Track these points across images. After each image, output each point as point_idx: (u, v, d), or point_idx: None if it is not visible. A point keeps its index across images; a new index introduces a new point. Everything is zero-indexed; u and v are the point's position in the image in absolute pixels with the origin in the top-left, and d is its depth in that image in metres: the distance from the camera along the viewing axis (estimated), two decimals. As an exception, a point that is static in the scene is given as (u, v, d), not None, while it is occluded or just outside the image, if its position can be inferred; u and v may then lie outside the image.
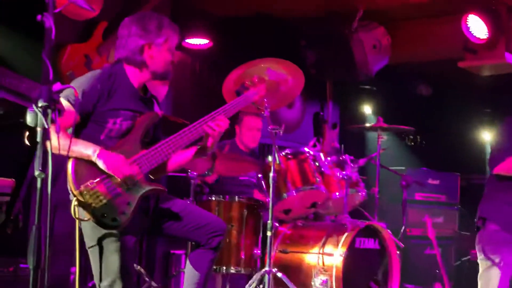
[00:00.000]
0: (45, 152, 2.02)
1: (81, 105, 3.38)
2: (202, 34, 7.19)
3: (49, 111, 2.07)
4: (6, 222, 2.38)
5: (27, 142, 2.42)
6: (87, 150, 3.32)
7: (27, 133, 2.42)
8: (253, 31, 7.45)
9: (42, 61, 5.68)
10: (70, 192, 3.28)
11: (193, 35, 7.20)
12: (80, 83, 3.50)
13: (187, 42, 7.27)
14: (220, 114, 3.72)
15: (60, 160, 2.90)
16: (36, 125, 2.11)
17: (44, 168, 2.00)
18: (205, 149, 3.75)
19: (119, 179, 3.36)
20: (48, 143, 2.04)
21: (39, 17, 2.35)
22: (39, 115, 2.07)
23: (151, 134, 3.71)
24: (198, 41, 7.26)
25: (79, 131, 3.45)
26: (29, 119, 2.11)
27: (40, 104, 2.09)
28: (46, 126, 2.04)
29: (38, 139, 2.06)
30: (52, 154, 2.21)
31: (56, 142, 2.63)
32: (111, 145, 3.47)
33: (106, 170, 3.33)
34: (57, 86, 2.40)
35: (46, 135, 2.05)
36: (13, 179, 2.52)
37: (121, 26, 3.71)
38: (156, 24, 3.66)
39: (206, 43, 7.25)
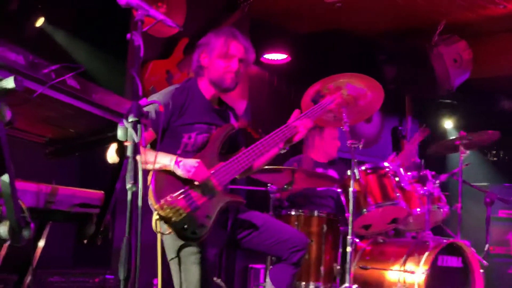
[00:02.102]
0: (135, 165, 2.08)
1: (155, 122, 3.45)
2: (280, 50, 7.24)
3: (138, 126, 2.13)
4: (96, 234, 2.44)
5: (115, 156, 2.48)
6: (164, 160, 3.38)
7: (115, 147, 2.48)
8: (331, 46, 7.44)
9: (123, 77, 5.86)
10: (151, 206, 3.34)
11: (271, 50, 7.26)
12: (155, 99, 3.56)
13: (265, 58, 7.33)
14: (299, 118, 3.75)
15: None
16: (125, 139, 2.17)
17: (135, 181, 2.06)
18: (291, 141, 3.77)
19: (197, 184, 3.39)
20: (138, 157, 2.10)
21: (128, 35, 2.42)
22: (130, 129, 2.13)
23: (228, 145, 3.73)
24: (276, 56, 7.31)
25: (155, 147, 3.50)
26: (119, 133, 2.17)
27: (130, 119, 2.15)
28: (136, 140, 2.09)
29: (129, 153, 2.12)
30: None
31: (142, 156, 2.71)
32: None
33: (184, 176, 3.37)
34: (143, 101, 2.46)
35: (136, 149, 2.11)
36: (102, 192, 2.58)
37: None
38: (214, 33, 3.71)
39: (284, 58, 7.29)
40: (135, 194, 2.06)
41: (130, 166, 2.09)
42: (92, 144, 2.67)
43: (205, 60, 3.68)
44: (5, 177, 1.86)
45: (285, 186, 5.08)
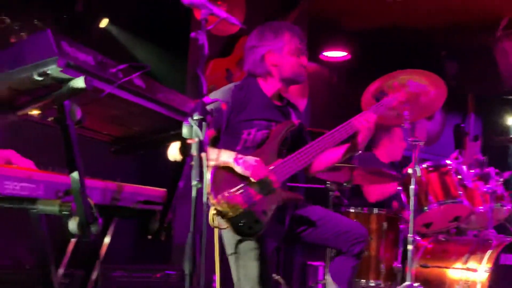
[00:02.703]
0: (200, 163, 2.12)
1: (217, 119, 3.49)
2: (340, 47, 7.22)
3: (204, 124, 2.17)
4: (160, 230, 2.49)
5: (178, 154, 2.52)
6: (223, 156, 3.41)
7: (178, 145, 2.52)
8: (392, 42, 7.38)
9: (184, 75, 5.92)
10: (208, 201, 3.38)
11: (330, 48, 7.24)
12: (215, 96, 3.60)
13: (324, 55, 7.31)
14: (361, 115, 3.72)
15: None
16: (190, 137, 2.22)
17: (200, 179, 2.10)
18: (356, 145, 3.73)
19: (255, 182, 3.41)
20: (203, 154, 2.14)
21: (192, 34, 2.46)
22: (195, 127, 2.17)
23: (289, 142, 3.74)
24: (335, 54, 7.29)
25: (216, 144, 3.55)
26: (184, 131, 2.22)
27: (196, 117, 2.19)
28: (202, 138, 2.13)
29: (194, 150, 2.16)
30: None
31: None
32: (247, 155, 3.54)
33: (242, 173, 3.39)
34: (207, 99, 2.50)
35: (202, 146, 2.15)
36: (165, 189, 2.63)
37: (247, 40, 3.80)
38: (273, 32, 3.71)
39: (344, 56, 7.27)
40: (199, 191, 2.11)
41: (195, 164, 2.14)
42: (156, 143, 2.73)
43: (274, 59, 3.69)
44: (75, 175, 1.92)
45: (344, 184, 5.06)
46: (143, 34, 6.09)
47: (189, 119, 2.20)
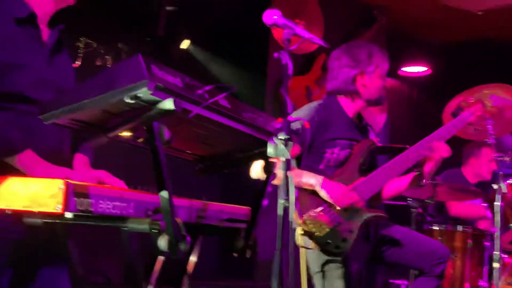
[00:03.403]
0: (287, 181, 2.14)
1: (301, 138, 3.51)
2: (420, 62, 7.13)
3: (289, 143, 2.19)
4: (245, 248, 2.52)
5: (261, 172, 2.55)
6: (310, 180, 3.43)
7: (262, 164, 2.55)
8: (475, 56, 7.23)
9: (263, 93, 5.96)
10: (294, 221, 3.39)
11: (410, 63, 7.16)
12: (299, 115, 3.63)
13: (404, 70, 7.23)
14: (437, 139, 3.66)
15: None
16: (275, 157, 2.24)
17: (287, 197, 2.12)
18: (422, 176, 3.69)
19: (339, 208, 3.42)
20: (289, 173, 2.16)
21: (275, 54, 2.49)
22: (281, 146, 2.19)
23: (369, 161, 3.73)
24: (415, 69, 7.20)
25: (299, 162, 3.57)
26: (270, 150, 2.24)
27: (281, 137, 2.22)
28: (288, 157, 2.15)
29: (281, 169, 2.18)
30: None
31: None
32: (330, 174, 3.54)
33: (328, 200, 3.41)
34: (290, 118, 2.52)
35: (288, 166, 2.17)
36: (248, 207, 2.66)
37: (330, 58, 3.80)
38: (366, 53, 3.71)
39: (424, 71, 7.17)
40: (286, 209, 2.13)
41: (282, 182, 2.15)
42: (240, 161, 2.76)
43: (365, 80, 3.70)
44: (164, 194, 1.96)
45: (427, 200, 4.98)
46: (222, 53, 6.18)
47: (275, 139, 2.23)
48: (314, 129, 3.59)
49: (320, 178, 3.45)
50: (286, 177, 2.15)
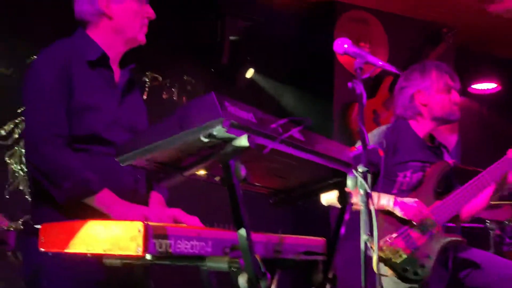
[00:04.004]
0: (369, 216, 2.09)
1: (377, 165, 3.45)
2: (489, 78, 6.96)
3: (369, 175, 2.15)
4: (324, 281, 2.46)
5: (336, 202, 2.49)
6: (381, 201, 3.36)
7: (336, 194, 2.50)
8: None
9: (330, 119, 5.91)
10: (370, 247, 3.32)
11: (479, 80, 7.00)
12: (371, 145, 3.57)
13: (473, 88, 7.08)
14: None
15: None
16: (355, 189, 2.19)
17: (371, 233, 2.06)
18: (504, 185, 3.57)
19: (416, 224, 3.33)
20: (372, 207, 2.11)
21: (349, 84, 2.46)
22: (360, 179, 2.15)
23: (444, 183, 3.63)
24: (485, 86, 7.03)
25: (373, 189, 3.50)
26: (349, 183, 2.20)
27: (360, 169, 2.18)
28: (369, 191, 2.10)
29: (361, 203, 2.13)
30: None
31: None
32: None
33: (403, 216, 3.33)
34: (361, 147, 2.47)
35: (369, 199, 2.12)
36: (323, 239, 2.61)
37: (396, 83, 3.76)
38: (419, 70, 3.64)
39: (494, 87, 6.99)
40: (368, 245, 2.07)
41: (364, 217, 2.10)
42: (313, 192, 2.72)
43: (423, 98, 3.63)
44: (243, 232, 1.94)
45: (506, 222, 4.83)
46: (287, 80, 6.18)
47: (354, 171, 2.18)
48: (384, 153, 3.52)
49: (391, 197, 3.38)
50: (369, 211, 2.10)
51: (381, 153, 3.25)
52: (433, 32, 6.35)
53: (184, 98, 5.98)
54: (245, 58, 5.95)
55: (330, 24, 5.94)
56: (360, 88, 2.44)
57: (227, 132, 1.83)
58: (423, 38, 6.36)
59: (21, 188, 5.19)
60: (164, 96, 5.93)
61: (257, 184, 2.57)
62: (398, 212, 3.34)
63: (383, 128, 3.69)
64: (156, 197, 2.66)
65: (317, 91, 6.07)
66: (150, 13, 2.71)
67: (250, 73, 5.95)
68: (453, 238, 3.46)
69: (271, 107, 5.96)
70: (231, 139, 1.87)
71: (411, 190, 3.55)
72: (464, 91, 7.06)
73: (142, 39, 2.70)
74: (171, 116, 1.90)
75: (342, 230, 2.46)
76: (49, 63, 2.50)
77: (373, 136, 3.62)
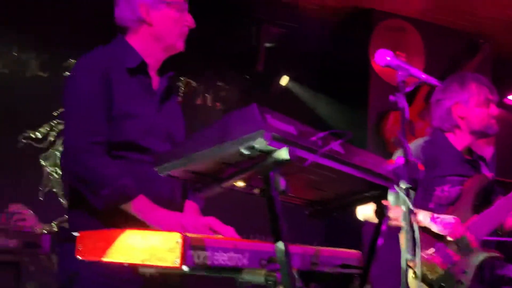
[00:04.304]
0: (412, 235, 2.05)
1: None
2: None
3: (411, 192, 2.11)
4: (361, 295, 2.43)
5: (372, 215, 2.46)
6: (419, 215, 3.32)
7: (373, 207, 2.47)
8: None
9: (364, 128, 5.87)
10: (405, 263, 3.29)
11: (515, 91, 6.91)
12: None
13: (509, 99, 6.98)
14: None
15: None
16: (397, 205, 2.16)
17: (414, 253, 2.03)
18: None
19: (452, 241, 3.29)
20: (415, 225, 2.07)
21: (391, 97, 2.42)
22: (403, 196, 2.11)
23: (482, 197, 3.57)
24: (521, 97, 6.94)
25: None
26: (391, 199, 2.17)
27: (403, 185, 2.14)
28: (412, 208, 2.07)
29: (403, 220, 2.10)
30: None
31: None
32: (441, 213, 3.42)
33: (440, 232, 3.28)
34: (400, 159, 2.44)
35: (411, 217, 2.08)
36: (359, 252, 2.58)
37: (433, 94, 3.70)
38: (458, 83, 3.58)
39: (531, 99, 6.89)
40: (409, 264, 2.03)
41: (407, 236, 2.07)
42: (350, 205, 2.69)
43: (461, 111, 3.57)
44: (280, 245, 1.91)
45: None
46: (322, 88, 6.15)
47: (396, 187, 2.15)
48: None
49: (428, 213, 3.34)
50: (411, 229, 2.06)
51: (421, 167, 3.20)
52: (470, 43, 6.28)
53: (218, 104, 5.99)
54: (280, 65, 5.94)
55: (367, 32, 5.90)
56: (402, 102, 2.40)
57: (268, 144, 1.81)
58: (460, 48, 6.29)
59: (55, 190, 5.23)
60: (198, 102, 5.94)
61: (292, 195, 2.55)
62: (434, 228, 3.30)
63: (420, 141, 3.64)
64: (191, 206, 2.66)
65: (352, 100, 6.03)
66: (190, 21, 2.70)
67: (284, 80, 5.94)
68: (491, 254, 3.40)
69: (304, 114, 5.94)
70: (272, 151, 1.85)
71: (449, 204, 3.49)
72: (500, 103, 6.97)
73: (181, 46, 2.71)
74: (212, 126, 1.89)
75: (379, 243, 2.42)
76: (89, 70, 2.51)
77: (411, 149, 3.58)
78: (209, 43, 5.47)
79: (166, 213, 2.39)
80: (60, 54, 5.37)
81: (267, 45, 5.81)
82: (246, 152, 1.82)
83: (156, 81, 2.67)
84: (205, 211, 2.69)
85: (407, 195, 2.14)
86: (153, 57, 2.66)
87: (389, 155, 5.68)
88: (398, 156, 2.45)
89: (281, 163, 1.85)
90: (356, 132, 5.87)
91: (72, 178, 2.44)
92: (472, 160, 3.65)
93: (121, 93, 2.50)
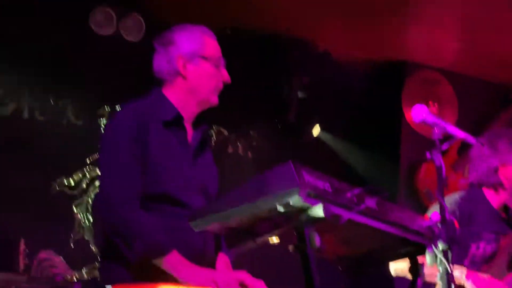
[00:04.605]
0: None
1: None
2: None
3: (449, 253, 2.09)
4: None
5: (406, 272, 2.43)
6: (454, 272, 3.26)
7: (407, 264, 2.44)
8: None
9: (395, 179, 5.81)
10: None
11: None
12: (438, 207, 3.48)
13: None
14: None
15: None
16: (434, 265, 2.14)
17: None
18: None
19: None
20: (452, 286, 2.05)
21: (428, 155, 2.41)
22: (440, 257, 2.09)
23: None
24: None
25: None
26: (428, 259, 2.15)
27: (441, 246, 2.12)
28: (450, 270, 2.04)
29: (441, 281, 2.07)
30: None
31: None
32: (475, 270, 3.37)
33: None
34: (435, 215, 2.41)
35: (449, 278, 2.05)
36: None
37: (473, 147, 3.64)
38: (507, 142, 3.53)
39: None
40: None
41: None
42: (382, 260, 2.67)
43: (509, 173, 3.53)
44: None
45: None
46: (353, 138, 6.14)
47: (433, 247, 2.13)
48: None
49: (463, 269, 3.28)
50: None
51: (457, 225, 3.16)
52: (502, 95, 6.26)
53: (249, 153, 6.00)
54: (311, 115, 5.95)
55: (399, 84, 5.92)
56: (439, 160, 2.39)
57: (303, 201, 1.81)
58: (492, 100, 6.26)
59: (86, 237, 5.25)
60: (230, 150, 5.96)
61: (324, 250, 2.54)
62: (469, 286, 3.24)
63: (455, 196, 3.60)
64: (223, 259, 2.65)
65: (383, 150, 6.02)
66: (226, 77, 2.72)
67: (316, 130, 5.95)
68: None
69: (336, 164, 5.93)
70: (307, 208, 1.86)
71: (484, 262, 3.44)
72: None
73: (215, 101, 2.72)
74: (248, 183, 1.91)
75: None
76: (126, 122, 2.54)
77: (446, 204, 3.54)
78: (242, 91, 5.50)
79: (198, 270, 2.39)
80: (95, 102, 5.45)
81: (299, 94, 5.84)
82: (281, 208, 1.83)
83: (190, 134, 2.69)
84: (236, 264, 2.68)
85: (445, 256, 2.11)
86: (188, 110, 2.68)
87: (420, 206, 5.66)
88: (433, 212, 2.42)
89: (316, 220, 1.86)
90: (388, 182, 5.83)
91: (107, 230, 2.45)
92: (508, 217, 3.61)
93: (157, 145, 2.52)
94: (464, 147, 5.69)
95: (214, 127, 5.90)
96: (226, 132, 5.95)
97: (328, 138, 6.06)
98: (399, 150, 5.87)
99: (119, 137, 2.51)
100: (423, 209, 5.05)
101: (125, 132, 2.50)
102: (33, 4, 5.04)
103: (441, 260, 2.11)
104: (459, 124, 5.56)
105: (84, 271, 5.09)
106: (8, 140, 5.02)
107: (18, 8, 5.03)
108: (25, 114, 5.19)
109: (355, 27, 5.52)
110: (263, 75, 5.91)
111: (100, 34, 5.03)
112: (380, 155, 6.01)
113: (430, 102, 5.92)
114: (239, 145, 6.00)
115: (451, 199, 3.56)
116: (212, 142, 5.83)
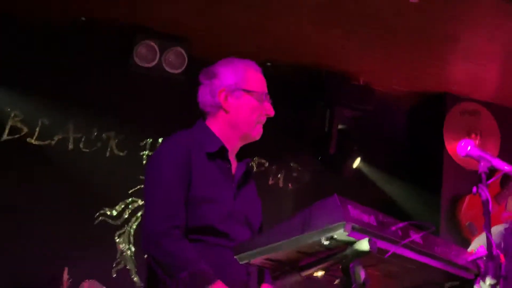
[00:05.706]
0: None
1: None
2: None
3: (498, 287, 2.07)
4: None
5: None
6: None
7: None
8: None
9: (436, 211, 5.74)
10: None
11: None
12: (482, 242, 3.44)
13: None
14: None
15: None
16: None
17: None
18: None
19: None
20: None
21: (474, 189, 2.40)
22: (487, 292, 2.07)
23: None
24: None
25: None
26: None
27: (488, 282, 2.10)
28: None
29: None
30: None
31: None
32: None
33: None
34: (481, 249, 2.39)
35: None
36: None
37: None
38: None
39: None
40: None
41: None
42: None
43: None
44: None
45: None
46: (394, 170, 6.11)
47: (481, 283, 2.11)
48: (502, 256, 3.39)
49: None
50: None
51: (503, 259, 3.12)
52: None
53: (289, 184, 6.01)
54: (352, 147, 5.94)
55: (440, 116, 5.89)
56: (486, 194, 2.36)
57: (348, 235, 1.81)
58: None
59: (128, 267, 5.30)
60: (270, 182, 5.97)
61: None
62: None
63: (500, 228, 3.56)
64: (267, 291, 2.66)
65: (425, 183, 5.97)
66: (269, 110, 2.72)
67: (357, 162, 5.94)
68: None
69: (377, 197, 5.90)
70: (352, 242, 1.86)
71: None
72: None
73: (256, 135, 2.72)
74: (293, 217, 1.92)
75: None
76: (170, 155, 2.57)
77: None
78: (282, 124, 5.53)
79: None
80: (138, 134, 5.53)
81: (340, 127, 5.85)
82: (326, 242, 1.83)
83: (234, 166, 2.72)
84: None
85: (493, 292, 2.09)
86: (231, 143, 2.70)
87: (463, 239, 5.58)
88: (479, 246, 2.40)
89: (361, 254, 1.85)
90: (429, 215, 5.78)
91: (151, 261, 2.48)
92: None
93: (201, 177, 2.54)
94: (506, 178, 5.63)
95: (254, 158, 5.92)
96: (266, 164, 5.97)
97: (368, 170, 6.04)
98: (441, 183, 5.81)
99: (163, 168, 2.54)
100: (465, 243, 4.99)
101: (169, 163, 2.53)
102: (78, 39, 5.17)
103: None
104: (501, 157, 5.52)
105: (127, 302, 5.13)
106: (53, 170, 5.11)
107: (65, 44, 5.18)
108: (70, 146, 5.29)
109: (396, 60, 5.51)
110: (305, 107, 5.94)
111: (143, 66, 5.12)
112: (421, 188, 5.96)
113: (473, 135, 5.88)
114: (279, 176, 6.00)
115: (496, 231, 3.52)
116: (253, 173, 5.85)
